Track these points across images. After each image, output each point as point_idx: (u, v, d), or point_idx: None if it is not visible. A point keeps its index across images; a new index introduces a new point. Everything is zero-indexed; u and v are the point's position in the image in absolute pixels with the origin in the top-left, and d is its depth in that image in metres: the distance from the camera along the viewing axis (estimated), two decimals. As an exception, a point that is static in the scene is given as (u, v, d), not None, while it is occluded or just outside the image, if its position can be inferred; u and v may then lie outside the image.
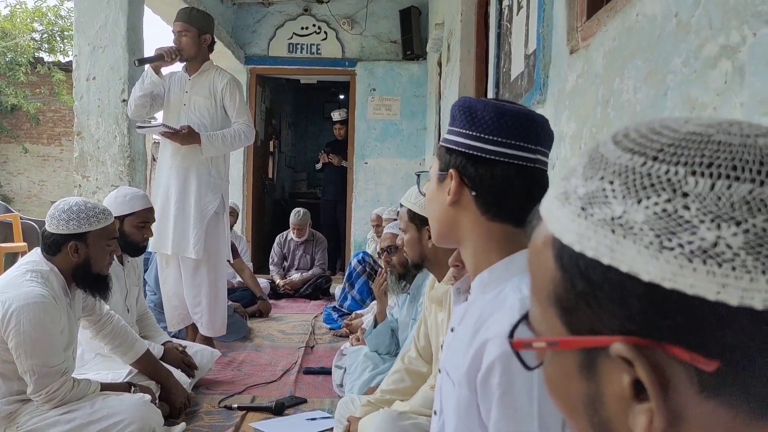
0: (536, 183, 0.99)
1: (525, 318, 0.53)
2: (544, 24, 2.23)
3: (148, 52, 3.74)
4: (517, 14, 2.74)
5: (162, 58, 3.39)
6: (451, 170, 1.01)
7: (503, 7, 3.05)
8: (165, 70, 3.53)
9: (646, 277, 0.40)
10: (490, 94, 3.28)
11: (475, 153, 0.99)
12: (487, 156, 0.98)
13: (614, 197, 0.43)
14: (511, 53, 2.86)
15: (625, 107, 1.50)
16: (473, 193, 1.00)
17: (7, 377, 2.08)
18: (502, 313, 0.91)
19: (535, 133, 0.99)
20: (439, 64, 5.80)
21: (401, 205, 2.13)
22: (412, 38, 6.86)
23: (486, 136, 0.98)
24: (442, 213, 1.04)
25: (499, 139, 0.97)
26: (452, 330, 1.07)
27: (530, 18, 2.48)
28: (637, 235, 0.41)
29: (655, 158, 0.43)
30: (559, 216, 0.47)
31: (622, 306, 0.42)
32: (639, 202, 0.42)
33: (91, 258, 2.20)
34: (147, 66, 3.42)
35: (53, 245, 2.16)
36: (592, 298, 0.43)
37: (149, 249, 3.71)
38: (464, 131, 1.00)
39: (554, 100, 2.15)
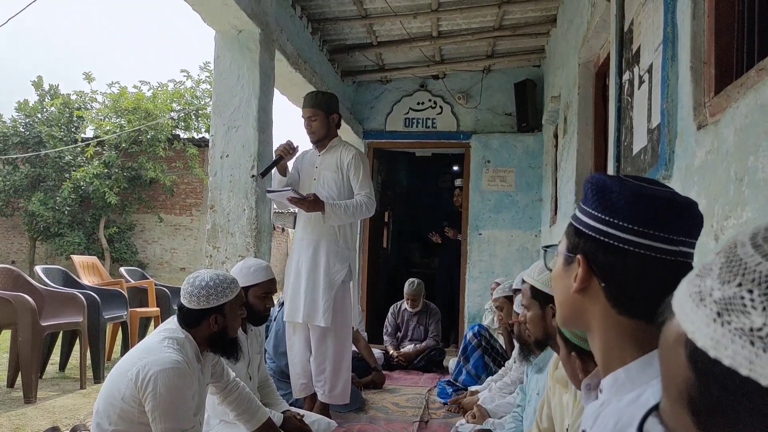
0: (676, 276, 0.88)
1: (655, 409, 0.52)
2: (669, 99, 2.20)
3: (275, 132, 4.01)
4: (639, 88, 2.71)
5: (281, 159, 3.65)
6: (578, 256, 0.93)
7: (623, 81, 3.03)
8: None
9: None
10: (610, 167, 3.22)
11: (606, 240, 0.90)
12: (620, 245, 0.89)
13: (753, 308, 0.42)
14: (632, 127, 2.82)
15: (761, 186, 1.44)
16: (602, 284, 0.91)
17: (143, 439, 2.20)
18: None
19: (678, 221, 0.89)
20: (555, 136, 5.78)
21: (523, 281, 2.09)
22: (527, 110, 6.89)
23: (620, 223, 0.89)
24: (568, 299, 0.97)
25: (634, 228, 0.88)
26: None
27: (653, 92, 2.45)
28: None
29: None
30: (692, 317, 0.46)
31: (761, 419, 0.40)
32: None
33: (228, 325, 2.33)
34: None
35: (194, 320, 2.29)
36: (728, 407, 0.42)
37: (284, 319, 3.88)
38: (596, 213, 0.92)
39: (681, 176, 2.09)
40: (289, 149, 3.65)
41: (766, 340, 0.41)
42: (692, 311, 0.46)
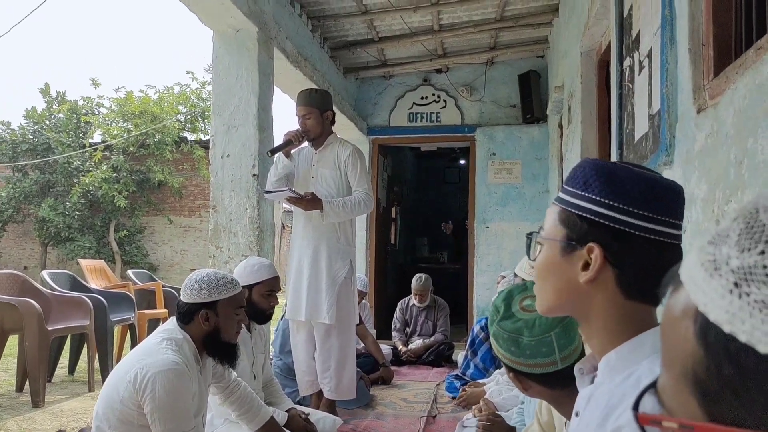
0: (677, 260, 0.92)
1: (653, 386, 0.48)
2: (668, 83, 2.15)
3: (276, 130, 3.98)
4: (639, 74, 2.67)
5: (290, 143, 3.61)
6: (592, 244, 0.91)
7: (624, 67, 2.98)
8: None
9: None
10: (614, 155, 3.17)
11: (621, 228, 0.90)
12: (635, 232, 0.90)
13: None
14: (634, 114, 2.77)
15: (761, 168, 1.39)
16: (616, 271, 0.91)
17: (144, 441, 2.18)
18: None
19: (681, 207, 0.93)
20: (560, 126, 5.72)
21: (515, 275, 2.06)
22: (531, 102, 6.84)
23: (635, 210, 0.90)
24: (570, 288, 0.95)
25: (650, 215, 0.90)
26: (576, 415, 0.98)
27: (653, 77, 2.40)
28: None
29: None
30: (705, 288, 0.42)
31: None
32: None
33: (221, 326, 2.29)
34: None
35: (187, 314, 2.28)
36: (741, 387, 0.38)
37: (286, 316, 3.86)
38: (606, 201, 0.91)
39: (682, 161, 2.04)
40: (299, 136, 3.64)
41: None
42: (704, 281, 0.42)
